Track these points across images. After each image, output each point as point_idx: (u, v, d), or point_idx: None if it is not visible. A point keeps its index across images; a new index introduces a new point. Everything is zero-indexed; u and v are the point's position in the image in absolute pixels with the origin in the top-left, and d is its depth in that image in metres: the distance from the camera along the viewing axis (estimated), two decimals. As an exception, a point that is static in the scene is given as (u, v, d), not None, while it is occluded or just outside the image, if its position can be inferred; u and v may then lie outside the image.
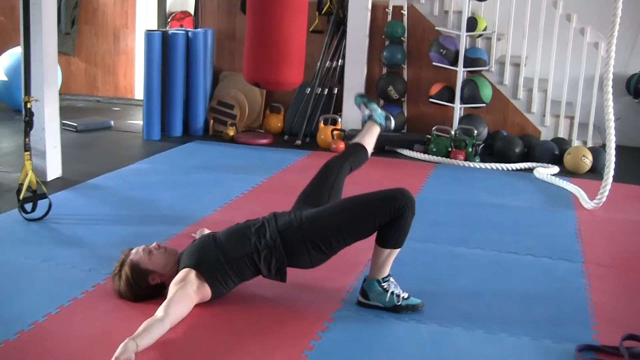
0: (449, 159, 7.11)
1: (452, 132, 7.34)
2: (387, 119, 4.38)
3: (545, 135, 7.64)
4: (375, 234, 3.53)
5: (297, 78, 5.20)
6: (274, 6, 4.86)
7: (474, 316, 3.59)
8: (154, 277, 3.52)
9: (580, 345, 3.26)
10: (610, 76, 5.29)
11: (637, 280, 4.24)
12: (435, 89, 7.75)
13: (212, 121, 7.97)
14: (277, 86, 5.73)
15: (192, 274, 3.42)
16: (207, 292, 3.44)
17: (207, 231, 4.27)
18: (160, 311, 3.19)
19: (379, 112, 4.35)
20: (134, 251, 3.57)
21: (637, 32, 8.16)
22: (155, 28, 8.50)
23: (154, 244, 3.62)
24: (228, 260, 3.46)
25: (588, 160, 6.85)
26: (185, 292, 3.32)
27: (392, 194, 3.46)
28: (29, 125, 4.91)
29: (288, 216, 3.57)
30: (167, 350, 3.07)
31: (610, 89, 5.28)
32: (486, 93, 7.50)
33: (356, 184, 4.95)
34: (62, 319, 3.36)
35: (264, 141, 7.67)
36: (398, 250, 3.55)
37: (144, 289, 3.52)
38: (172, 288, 3.36)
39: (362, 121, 4.43)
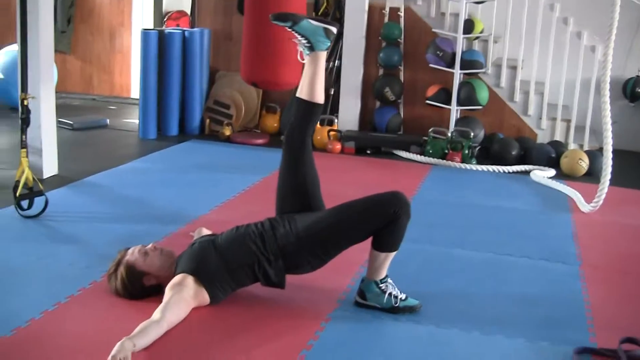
0: (445, 161, 7.11)
1: (449, 134, 7.34)
2: (327, 34, 3.56)
3: (542, 138, 7.65)
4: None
5: (294, 78, 5.21)
6: (272, 7, 4.86)
7: (471, 317, 3.59)
8: (149, 278, 3.51)
9: (578, 348, 3.25)
10: (608, 79, 5.28)
11: (635, 284, 4.25)
12: (431, 90, 7.75)
13: (208, 121, 7.95)
14: (274, 86, 5.74)
15: (190, 279, 3.39)
16: (205, 297, 3.42)
17: (205, 231, 4.26)
18: (157, 313, 3.18)
19: (316, 36, 3.55)
20: (129, 251, 3.55)
21: (634, 36, 8.17)
22: (152, 27, 8.48)
23: (150, 245, 3.59)
24: (228, 268, 3.45)
25: (584, 164, 6.85)
26: (182, 296, 3.31)
27: (387, 199, 3.44)
28: (25, 122, 4.92)
29: (283, 227, 3.50)
30: (161, 350, 3.06)
31: (607, 93, 5.27)
32: (483, 95, 7.50)
33: (352, 185, 4.96)
34: (59, 316, 3.34)
35: (260, 141, 7.66)
36: (394, 253, 3.54)
37: (139, 289, 3.51)
38: (169, 291, 3.34)
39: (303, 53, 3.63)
